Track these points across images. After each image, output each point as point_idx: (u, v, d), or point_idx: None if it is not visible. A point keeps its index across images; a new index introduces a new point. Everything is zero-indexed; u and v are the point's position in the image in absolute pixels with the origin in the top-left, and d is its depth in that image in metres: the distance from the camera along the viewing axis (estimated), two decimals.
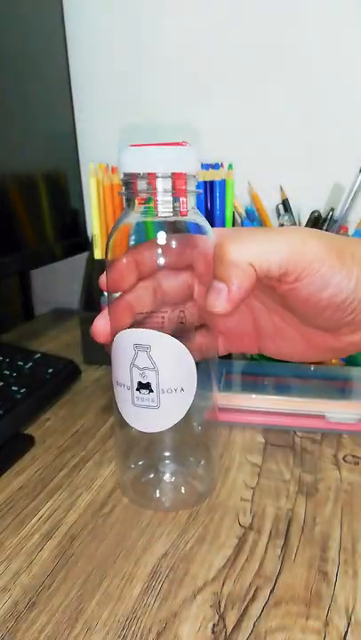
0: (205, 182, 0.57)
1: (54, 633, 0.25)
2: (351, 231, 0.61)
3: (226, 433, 0.42)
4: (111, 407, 0.47)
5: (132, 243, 0.29)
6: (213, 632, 0.25)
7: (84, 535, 0.31)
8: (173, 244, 0.28)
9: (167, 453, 0.34)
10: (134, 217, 0.28)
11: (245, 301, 0.27)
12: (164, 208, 0.27)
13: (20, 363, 0.50)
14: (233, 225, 0.61)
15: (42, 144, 0.61)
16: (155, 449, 0.35)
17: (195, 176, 0.27)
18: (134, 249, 0.28)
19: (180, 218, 0.28)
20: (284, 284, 0.27)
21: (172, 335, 0.28)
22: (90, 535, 0.31)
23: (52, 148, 0.64)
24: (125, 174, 0.27)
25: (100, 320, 0.30)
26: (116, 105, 0.72)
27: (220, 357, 0.34)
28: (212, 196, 0.58)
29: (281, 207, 0.66)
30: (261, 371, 0.47)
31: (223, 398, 0.42)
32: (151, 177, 0.26)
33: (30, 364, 0.50)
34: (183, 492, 0.34)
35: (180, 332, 0.29)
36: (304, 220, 0.62)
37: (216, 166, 0.59)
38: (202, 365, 0.30)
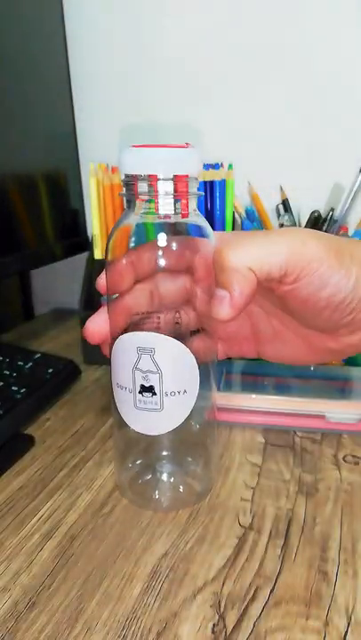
0: (205, 182, 0.57)
1: (54, 633, 0.25)
2: (351, 231, 0.61)
3: (226, 433, 0.42)
4: (111, 406, 0.47)
5: (132, 244, 0.29)
6: (213, 632, 0.25)
7: (84, 535, 0.31)
8: (172, 246, 0.28)
9: (165, 453, 0.34)
10: (135, 218, 0.28)
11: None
12: (165, 210, 0.27)
13: (20, 363, 0.50)
14: (233, 225, 0.62)
15: (42, 144, 0.61)
16: (153, 449, 0.35)
17: (196, 178, 0.27)
18: (133, 251, 0.28)
19: (180, 220, 0.27)
20: (284, 284, 0.27)
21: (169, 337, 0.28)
22: (90, 535, 0.31)
23: (52, 148, 0.64)
24: (126, 175, 0.27)
25: (94, 321, 0.30)
26: (116, 105, 0.72)
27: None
28: (211, 197, 0.58)
29: (281, 207, 0.66)
30: (261, 371, 0.47)
31: (223, 398, 0.42)
32: (152, 179, 0.26)
33: (30, 364, 0.50)
34: (181, 491, 0.34)
35: (177, 334, 0.29)
36: (304, 220, 0.62)
37: (216, 166, 0.59)
38: (201, 366, 0.30)
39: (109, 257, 0.29)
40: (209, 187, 0.58)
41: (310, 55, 0.64)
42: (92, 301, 0.59)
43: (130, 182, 0.27)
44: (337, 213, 0.62)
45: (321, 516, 0.32)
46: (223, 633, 0.25)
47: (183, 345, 0.28)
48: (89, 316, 0.60)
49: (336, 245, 0.27)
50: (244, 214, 0.64)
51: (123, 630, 0.25)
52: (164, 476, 0.34)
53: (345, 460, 0.38)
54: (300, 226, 0.64)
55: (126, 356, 0.29)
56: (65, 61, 0.66)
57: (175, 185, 0.26)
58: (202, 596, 0.27)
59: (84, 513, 0.33)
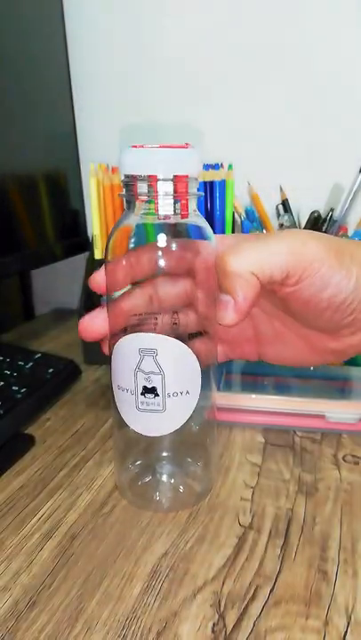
0: (205, 183, 0.57)
1: (54, 632, 0.25)
2: (351, 231, 0.61)
3: (226, 433, 0.42)
4: (111, 406, 0.47)
5: (131, 245, 0.29)
6: (213, 631, 0.25)
7: (85, 535, 0.31)
8: (172, 248, 0.28)
9: (165, 454, 0.34)
10: (134, 219, 0.28)
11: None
12: (165, 211, 0.27)
13: (20, 362, 0.50)
14: (233, 225, 0.62)
15: (42, 144, 0.61)
16: (153, 450, 0.35)
17: (196, 178, 0.27)
18: (132, 251, 0.28)
19: (180, 220, 0.27)
20: (286, 286, 0.27)
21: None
22: (90, 535, 0.31)
23: (53, 148, 0.64)
24: (126, 176, 0.27)
25: (88, 318, 0.30)
26: (116, 105, 0.72)
27: None
28: (211, 197, 0.58)
29: (281, 207, 0.66)
30: (261, 370, 0.47)
31: (223, 398, 0.42)
32: (152, 179, 0.26)
33: (31, 363, 0.50)
34: (181, 492, 0.34)
35: (175, 336, 0.29)
36: (304, 221, 0.62)
37: (216, 167, 0.59)
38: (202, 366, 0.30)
39: (109, 257, 0.29)
40: (209, 187, 0.58)
41: (310, 55, 0.64)
42: (92, 301, 0.59)
43: (130, 183, 0.27)
44: (337, 214, 0.62)
45: (321, 516, 0.33)
46: (223, 632, 0.25)
47: (185, 346, 0.28)
48: None
49: (336, 246, 0.27)
50: (243, 214, 0.65)
51: (123, 630, 0.25)
52: (164, 477, 0.34)
53: (345, 460, 0.38)
54: (299, 226, 0.64)
55: (128, 357, 0.29)
56: (65, 61, 0.66)
57: (175, 185, 0.26)
58: (202, 595, 0.27)
59: (84, 512, 0.33)
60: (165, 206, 0.27)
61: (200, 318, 0.30)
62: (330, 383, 0.45)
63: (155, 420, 0.30)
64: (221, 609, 0.26)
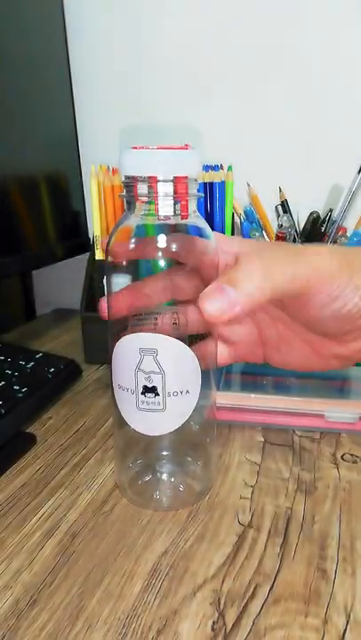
0: (205, 184, 0.58)
1: (55, 630, 0.25)
2: (350, 232, 0.62)
3: (225, 432, 0.42)
4: (112, 405, 0.48)
5: (132, 245, 0.29)
6: (213, 629, 0.25)
7: (85, 533, 0.31)
8: (171, 246, 0.28)
9: (165, 453, 0.35)
10: (135, 219, 0.28)
11: (249, 313, 0.27)
12: (165, 211, 0.27)
13: (21, 362, 0.50)
14: (232, 226, 0.62)
15: (43, 145, 0.62)
16: (153, 449, 0.35)
17: (196, 179, 0.27)
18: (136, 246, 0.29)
19: (180, 221, 0.28)
20: (297, 301, 0.27)
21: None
22: (91, 533, 0.31)
23: (54, 149, 0.64)
24: (126, 177, 0.27)
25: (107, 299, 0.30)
26: (116, 105, 0.72)
27: None
28: (211, 198, 0.59)
29: (280, 208, 0.67)
30: (261, 370, 0.47)
31: (223, 397, 0.42)
32: (152, 180, 0.26)
33: (32, 363, 0.50)
34: (181, 491, 0.34)
35: (175, 335, 0.29)
36: (303, 221, 0.62)
37: (215, 168, 0.59)
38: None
39: (110, 258, 0.29)
40: (208, 188, 0.58)
41: (310, 55, 0.64)
42: (93, 302, 0.59)
43: (130, 184, 0.27)
44: (336, 214, 0.62)
45: (320, 514, 0.33)
46: (223, 630, 0.25)
47: (185, 345, 0.29)
48: (90, 316, 0.60)
49: (346, 259, 0.27)
50: (243, 215, 0.65)
51: (123, 628, 0.25)
52: (164, 476, 0.34)
53: (343, 459, 0.39)
54: (298, 227, 0.64)
55: (128, 357, 0.29)
56: (66, 61, 0.66)
57: (175, 186, 0.26)
58: (202, 593, 0.27)
59: (84, 511, 0.33)
60: (165, 207, 0.27)
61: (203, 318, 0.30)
62: (329, 383, 0.45)
63: (155, 420, 0.30)
64: (221, 607, 0.26)
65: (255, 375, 0.46)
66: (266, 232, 0.65)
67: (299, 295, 0.26)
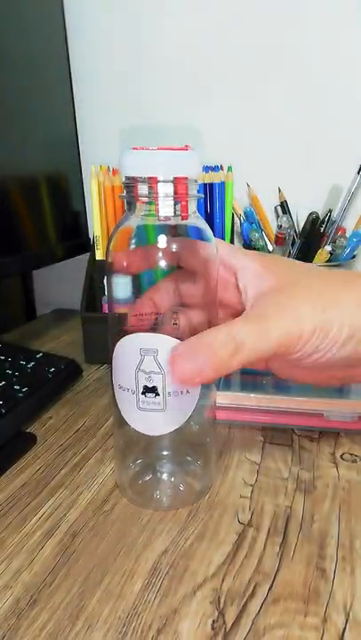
0: (205, 184, 0.58)
1: (55, 630, 0.25)
2: (349, 232, 0.62)
3: (225, 431, 0.42)
4: (112, 405, 0.48)
5: (132, 246, 0.29)
6: (213, 628, 0.25)
7: (85, 533, 0.31)
8: (171, 248, 0.28)
9: (165, 453, 0.35)
10: (135, 220, 0.28)
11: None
12: (165, 212, 0.27)
13: (22, 362, 0.50)
14: (232, 227, 0.62)
15: (43, 145, 0.62)
16: (153, 449, 0.35)
17: (196, 180, 0.27)
18: (134, 250, 0.29)
19: (180, 222, 0.28)
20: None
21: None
22: (91, 533, 0.31)
23: (54, 150, 0.64)
24: (127, 177, 0.27)
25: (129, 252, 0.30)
26: (116, 105, 0.72)
27: None
28: (211, 199, 0.59)
29: (279, 209, 0.67)
30: (260, 370, 0.47)
31: (223, 397, 0.42)
32: (152, 181, 0.26)
33: (32, 363, 0.50)
34: (181, 490, 0.34)
35: (175, 336, 0.29)
36: (302, 221, 0.62)
37: (215, 168, 0.59)
38: None
39: (110, 259, 0.29)
40: (208, 189, 0.58)
41: (310, 55, 0.64)
42: (93, 302, 0.60)
43: (130, 184, 0.27)
44: (335, 214, 0.62)
45: (319, 514, 0.33)
46: (223, 629, 0.25)
47: None
48: (90, 316, 0.60)
49: (326, 317, 0.25)
50: (243, 216, 0.65)
51: (123, 627, 0.25)
52: (164, 476, 0.35)
53: (343, 458, 0.39)
54: (298, 227, 0.65)
55: (129, 357, 0.29)
56: (66, 62, 0.66)
57: (175, 187, 0.26)
58: (201, 592, 0.27)
59: (85, 511, 0.33)
60: (165, 208, 0.27)
61: (205, 320, 0.30)
62: None
63: (155, 420, 0.30)
64: (221, 606, 0.26)
65: (255, 375, 0.46)
66: (265, 233, 0.65)
67: (273, 356, 0.26)
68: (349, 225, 0.63)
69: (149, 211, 0.27)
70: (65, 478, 0.37)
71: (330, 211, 0.61)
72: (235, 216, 0.64)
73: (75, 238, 0.68)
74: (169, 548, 0.30)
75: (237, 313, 0.27)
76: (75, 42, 0.67)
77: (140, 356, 0.28)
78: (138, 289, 0.30)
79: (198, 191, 0.28)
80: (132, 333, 0.29)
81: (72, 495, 0.35)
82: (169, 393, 0.29)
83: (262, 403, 0.42)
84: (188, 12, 0.67)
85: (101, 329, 0.55)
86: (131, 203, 0.28)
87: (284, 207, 0.66)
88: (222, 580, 0.28)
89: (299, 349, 0.25)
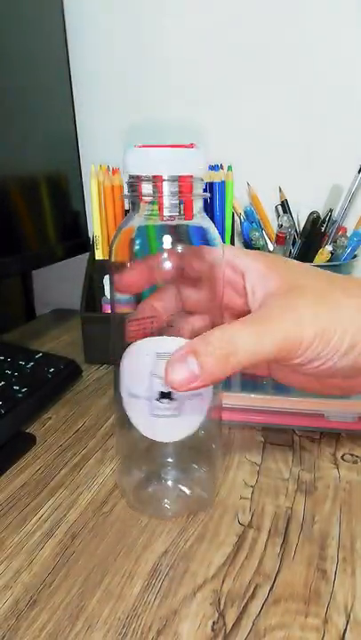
0: (205, 184, 0.58)
1: (55, 631, 0.25)
2: (350, 232, 0.62)
3: (225, 432, 0.42)
4: (112, 405, 0.48)
5: (136, 247, 0.28)
6: (213, 630, 0.25)
7: (85, 533, 0.31)
8: (175, 254, 0.27)
9: (170, 460, 0.34)
10: (139, 220, 0.27)
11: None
12: (170, 212, 0.26)
13: (21, 362, 0.50)
14: (232, 226, 0.62)
15: (43, 145, 0.62)
16: (158, 456, 0.34)
17: (202, 179, 0.27)
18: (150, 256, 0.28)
19: (185, 222, 0.27)
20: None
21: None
22: (91, 533, 0.31)
23: (54, 149, 0.64)
24: (130, 176, 0.26)
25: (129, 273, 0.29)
26: (116, 105, 0.72)
27: None
28: (211, 198, 0.59)
29: (280, 208, 0.67)
30: None
31: (223, 397, 0.42)
32: (157, 179, 0.25)
33: (32, 363, 0.50)
34: (186, 498, 0.33)
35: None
36: (303, 221, 0.62)
37: (215, 168, 0.59)
38: None
39: (113, 259, 0.29)
40: (208, 188, 0.58)
41: (310, 55, 0.64)
42: (93, 302, 0.59)
43: (134, 183, 0.26)
44: (336, 214, 0.62)
45: (320, 515, 0.33)
46: (223, 631, 0.25)
47: None
48: (90, 316, 0.60)
49: (327, 324, 0.25)
50: (243, 215, 0.65)
51: (123, 628, 0.25)
52: (170, 483, 0.34)
53: (343, 459, 0.39)
54: (298, 226, 0.65)
55: (142, 363, 0.28)
56: (66, 62, 0.66)
57: (180, 186, 0.26)
58: (202, 593, 0.27)
59: (84, 511, 0.33)
60: (170, 207, 0.26)
61: (208, 325, 0.30)
62: None
63: (170, 425, 0.29)
64: (221, 607, 0.26)
65: (255, 375, 0.46)
66: (266, 232, 0.65)
67: (270, 362, 0.26)
68: (350, 224, 0.63)
69: (153, 210, 0.27)
70: (65, 478, 0.37)
71: (330, 210, 0.61)
72: (235, 215, 0.64)
73: (74, 238, 0.68)
74: (169, 549, 0.30)
75: (243, 315, 0.27)
76: (75, 42, 0.67)
77: (156, 361, 0.27)
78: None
79: (204, 190, 0.27)
80: (143, 338, 0.28)
81: (72, 495, 0.35)
82: (183, 397, 0.28)
83: (263, 403, 0.42)
84: (188, 12, 0.67)
85: (101, 329, 0.55)
86: (135, 202, 0.27)
87: (284, 206, 0.66)
88: (222, 582, 0.28)
89: (300, 354, 0.25)
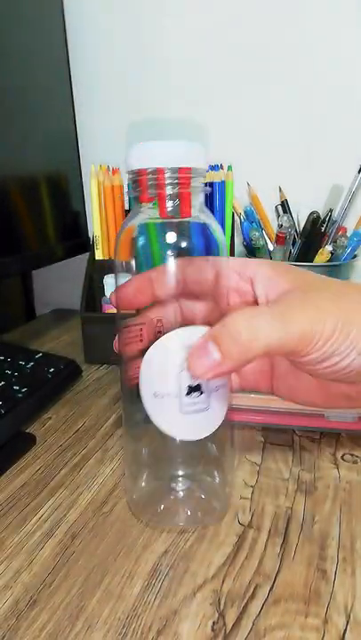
0: (205, 184, 0.57)
1: (55, 631, 0.25)
2: (350, 232, 0.62)
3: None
4: (112, 405, 0.48)
5: (140, 243, 0.28)
6: (213, 630, 0.25)
7: (85, 533, 0.31)
8: (184, 269, 0.27)
9: (183, 467, 0.33)
10: (141, 217, 0.28)
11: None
12: (172, 206, 0.26)
13: (21, 362, 0.50)
14: (232, 226, 0.62)
15: (43, 145, 0.62)
16: (169, 465, 0.33)
17: (204, 176, 0.27)
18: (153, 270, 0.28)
19: (186, 218, 0.27)
20: (288, 357, 0.26)
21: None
22: (91, 533, 0.31)
23: (54, 149, 0.64)
24: (132, 172, 0.26)
25: (125, 288, 0.29)
26: (116, 105, 0.72)
27: None
28: (211, 198, 0.59)
29: (280, 208, 0.67)
30: None
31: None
32: (159, 172, 0.25)
33: (32, 363, 0.50)
34: (200, 512, 0.32)
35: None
36: (303, 221, 0.62)
37: (215, 168, 0.59)
38: None
39: (117, 257, 0.29)
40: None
41: (310, 55, 0.64)
42: (92, 302, 0.59)
43: (135, 179, 0.26)
44: (336, 214, 0.62)
45: (320, 515, 0.33)
46: (223, 631, 0.25)
47: None
48: (90, 316, 0.60)
49: (347, 316, 0.25)
50: (243, 215, 0.65)
51: (123, 628, 0.25)
52: (182, 494, 0.32)
53: (343, 459, 0.39)
54: (298, 226, 0.65)
55: (171, 358, 0.27)
56: (66, 61, 0.66)
57: (180, 178, 0.26)
58: (202, 593, 0.27)
59: (85, 511, 0.33)
60: (171, 203, 0.26)
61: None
62: None
63: (199, 421, 0.28)
64: (221, 607, 0.26)
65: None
66: (266, 232, 0.65)
67: (290, 355, 0.26)
68: (350, 224, 0.63)
69: (154, 206, 0.27)
70: (65, 478, 0.37)
71: (330, 210, 0.61)
72: (235, 215, 0.64)
73: (74, 238, 0.68)
74: (169, 549, 0.30)
75: None
76: (75, 42, 0.67)
77: (183, 355, 0.26)
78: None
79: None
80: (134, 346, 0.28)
81: (72, 495, 0.35)
82: (211, 389, 0.28)
83: (263, 403, 0.42)
84: (188, 12, 0.67)
85: (101, 329, 0.56)
86: (136, 199, 0.27)
87: (284, 206, 0.66)
88: (222, 582, 0.28)
89: (319, 348, 0.25)
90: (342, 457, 0.39)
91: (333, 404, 0.30)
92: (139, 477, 0.34)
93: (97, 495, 0.35)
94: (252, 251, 0.63)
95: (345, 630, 0.25)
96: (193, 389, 0.27)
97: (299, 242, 0.61)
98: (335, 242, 0.59)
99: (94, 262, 0.60)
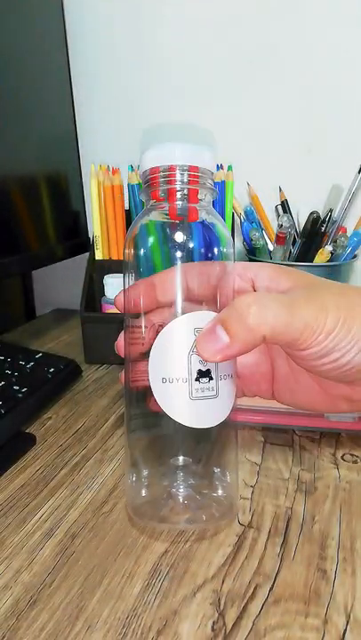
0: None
1: (55, 631, 0.25)
2: (350, 232, 0.62)
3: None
4: (112, 405, 0.48)
5: (150, 242, 0.28)
6: (213, 630, 0.25)
7: (85, 533, 0.31)
8: (194, 274, 0.27)
9: (185, 467, 0.31)
10: (149, 217, 0.28)
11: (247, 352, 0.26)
12: (178, 208, 0.26)
13: (21, 362, 0.50)
14: (232, 226, 0.62)
15: (43, 145, 0.62)
16: (172, 465, 0.31)
17: (212, 179, 0.27)
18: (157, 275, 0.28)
19: (193, 220, 0.27)
20: (293, 348, 0.26)
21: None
22: (91, 533, 0.31)
23: (54, 150, 0.64)
24: (144, 173, 0.27)
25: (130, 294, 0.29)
26: (116, 106, 0.72)
27: None
28: None
29: (280, 208, 0.67)
30: None
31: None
32: (170, 171, 0.26)
33: (32, 363, 0.50)
34: (204, 510, 0.31)
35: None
36: (303, 221, 0.62)
37: (216, 168, 0.59)
38: None
39: (126, 258, 0.29)
40: None
41: (310, 55, 0.64)
42: (92, 302, 0.59)
43: (147, 178, 0.27)
44: (336, 214, 0.62)
45: (320, 515, 0.33)
46: (223, 631, 0.25)
47: None
48: (90, 316, 0.60)
49: (350, 313, 0.25)
50: (243, 215, 0.65)
51: (123, 628, 0.25)
52: (184, 494, 0.31)
53: (343, 459, 0.39)
54: (298, 226, 0.65)
55: (180, 340, 0.27)
56: (66, 61, 0.66)
57: (190, 176, 0.26)
58: (202, 593, 0.27)
59: (85, 511, 0.33)
60: (181, 204, 0.26)
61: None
62: None
63: (209, 408, 0.28)
64: (221, 607, 0.26)
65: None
66: (266, 232, 0.65)
67: (292, 345, 0.26)
68: (350, 224, 0.63)
69: (163, 206, 0.27)
70: (65, 478, 0.37)
71: (331, 210, 0.61)
72: (235, 215, 0.64)
73: (74, 238, 0.68)
74: (169, 549, 0.30)
75: None
76: (75, 42, 0.67)
77: (195, 337, 0.26)
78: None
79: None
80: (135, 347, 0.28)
81: (72, 495, 0.35)
82: (220, 377, 0.27)
83: (263, 403, 0.42)
84: (188, 13, 0.67)
85: (101, 329, 0.56)
86: (147, 198, 0.27)
87: (284, 206, 0.66)
88: (222, 582, 0.28)
89: (321, 341, 0.25)
90: (342, 457, 0.39)
91: (334, 408, 0.30)
92: (139, 479, 0.33)
93: (97, 495, 0.35)
94: (252, 251, 0.63)
95: (345, 630, 0.25)
96: (202, 374, 0.27)
97: (299, 242, 0.61)
98: (335, 242, 0.59)
99: (94, 262, 0.60)
